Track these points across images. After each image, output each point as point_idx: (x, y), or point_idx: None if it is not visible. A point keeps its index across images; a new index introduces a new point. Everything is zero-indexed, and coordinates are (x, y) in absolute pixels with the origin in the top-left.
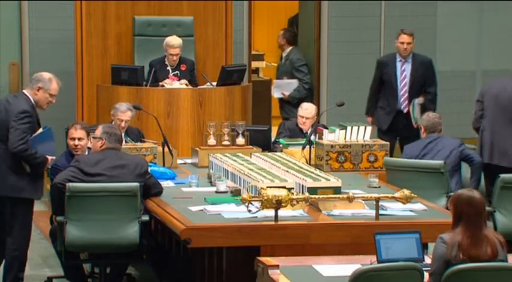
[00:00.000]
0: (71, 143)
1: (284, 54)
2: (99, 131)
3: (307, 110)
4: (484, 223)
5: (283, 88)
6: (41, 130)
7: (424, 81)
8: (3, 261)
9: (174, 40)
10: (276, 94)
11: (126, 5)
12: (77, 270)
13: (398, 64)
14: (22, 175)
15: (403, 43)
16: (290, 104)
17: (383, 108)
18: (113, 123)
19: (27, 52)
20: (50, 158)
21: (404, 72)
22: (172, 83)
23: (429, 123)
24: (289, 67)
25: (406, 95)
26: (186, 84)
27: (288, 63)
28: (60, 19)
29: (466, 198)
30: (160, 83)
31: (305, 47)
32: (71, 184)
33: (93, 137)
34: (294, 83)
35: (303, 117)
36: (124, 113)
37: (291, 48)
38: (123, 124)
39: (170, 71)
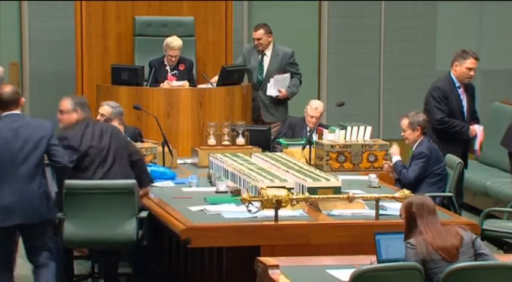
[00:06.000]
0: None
1: (270, 51)
2: (70, 104)
3: (317, 109)
4: (438, 219)
5: (279, 84)
6: None
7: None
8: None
9: (175, 41)
10: (273, 92)
11: (126, 5)
12: (68, 267)
13: (459, 91)
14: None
15: (470, 69)
16: (282, 103)
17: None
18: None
19: (27, 52)
20: None
21: (464, 100)
22: (171, 83)
23: (426, 123)
24: (282, 62)
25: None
26: (188, 84)
27: (280, 58)
28: (60, 19)
29: (419, 202)
30: (161, 85)
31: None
32: (67, 181)
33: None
34: (287, 78)
35: (313, 117)
36: None
37: (272, 43)
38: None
39: (169, 70)
